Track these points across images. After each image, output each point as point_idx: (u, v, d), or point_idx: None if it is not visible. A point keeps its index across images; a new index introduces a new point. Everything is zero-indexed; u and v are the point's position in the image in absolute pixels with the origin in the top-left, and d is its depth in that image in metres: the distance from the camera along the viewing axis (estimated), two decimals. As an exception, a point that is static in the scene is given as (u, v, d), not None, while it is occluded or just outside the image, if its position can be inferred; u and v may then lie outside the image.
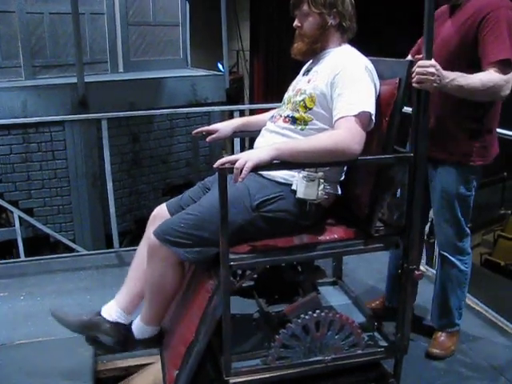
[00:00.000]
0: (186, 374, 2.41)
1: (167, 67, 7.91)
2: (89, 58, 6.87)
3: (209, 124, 6.84)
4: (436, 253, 3.84)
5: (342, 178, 2.55)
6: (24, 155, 6.09)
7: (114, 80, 6.97)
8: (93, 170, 5.97)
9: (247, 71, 10.41)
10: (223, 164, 2.06)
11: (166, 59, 8.03)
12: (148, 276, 2.50)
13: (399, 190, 2.69)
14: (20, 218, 5.66)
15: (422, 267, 4.07)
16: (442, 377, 3.01)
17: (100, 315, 2.63)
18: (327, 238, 2.45)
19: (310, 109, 2.36)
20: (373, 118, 2.28)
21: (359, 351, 2.60)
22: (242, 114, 5.47)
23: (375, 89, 2.35)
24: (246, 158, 2.05)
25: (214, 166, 2.07)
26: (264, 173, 2.36)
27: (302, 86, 2.46)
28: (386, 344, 2.71)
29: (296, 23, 2.47)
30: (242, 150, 4.71)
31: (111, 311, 2.62)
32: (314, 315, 2.47)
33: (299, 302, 2.57)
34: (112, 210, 4.73)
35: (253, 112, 7.64)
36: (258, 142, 2.57)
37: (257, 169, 2.09)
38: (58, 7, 6.94)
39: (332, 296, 3.12)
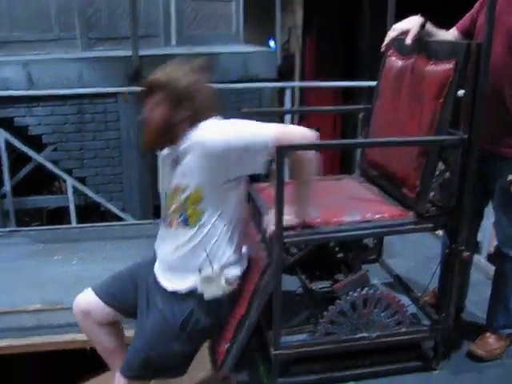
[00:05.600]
0: (237, 347, 2.49)
1: (219, 42, 7.93)
2: (143, 31, 6.92)
3: (260, 100, 6.88)
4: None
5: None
6: (78, 125, 6.25)
7: (167, 54, 7.04)
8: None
9: (299, 48, 10.36)
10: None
11: (219, 34, 8.05)
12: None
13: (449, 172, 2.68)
14: (73, 186, 5.84)
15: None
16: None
17: None
18: (377, 216, 2.49)
19: (199, 202, 2.20)
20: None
21: (403, 329, 2.65)
22: (292, 91, 5.48)
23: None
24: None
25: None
26: (169, 287, 2.35)
27: (179, 181, 2.24)
28: (429, 324, 2.75)
29: (145, 113, 2.23)
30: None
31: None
32: (363, 293, 2.52)
33: (348, 279, 2.62)
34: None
35: (304, 90, 7.66)
36: (159, 247, 2.49)
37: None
38: (114, -20, 7.03)
39: (377, 275, 3.17)
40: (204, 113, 2.20)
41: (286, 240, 2.30)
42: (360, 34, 8.94)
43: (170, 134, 2.19)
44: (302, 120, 7.35)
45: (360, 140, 2.93)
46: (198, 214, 2.21)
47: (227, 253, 2.31)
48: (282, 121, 5.37)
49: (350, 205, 2.63)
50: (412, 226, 2.53)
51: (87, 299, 2.54)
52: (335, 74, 8.98)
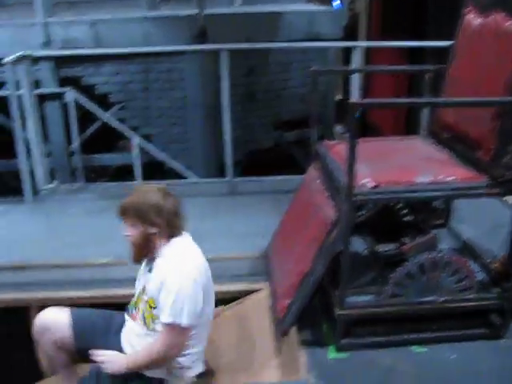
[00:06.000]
0: (299, 303, 2.50)
1: (284, 1, 7.80)
2: (208, -11, 6.87)
3: (325, 60, 6.79)
4: None
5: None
6: (144, 84, 6.30)
7: (233, 13, 6.98)
8: (209, 101, 6.08)
9: (364, 8, 10.09)
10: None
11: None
12: None
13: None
14: (138, 144, 5.94)
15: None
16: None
17: None
18: (450, 178, 2.42)
19: (154, 308, 2.46)
20: (187, 327, 2.38)
21: (471, 295, 2.59)
22: (359, 51, 5.32)
23: (201, 296, 2.43)
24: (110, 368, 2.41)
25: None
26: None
27: (147, 285, 2.55)
28: (497, 291, 2.68)
29: (124, 232, 2.53)
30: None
31: None
32: (432, 255, 2.47)
33: (417, 242, 2.58)
34: (228, 139, 4.83)
35: (369, 50, 7.50)
36: (124, 334, 2.66)
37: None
38: None
39: (445, 240, 3.09)
40: (173, 228, 2.50)
41: (355, 198, 2.26)
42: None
43: (148, 247, 2.52)
44: (367, 80, 7.19)
45: (438, 99, 2.83)
46: (153, 317, 2.48)
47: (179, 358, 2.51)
48: (347, 80, 5.29)
49: (421, 165, 2.56)
50: (485, 190, 2.46)
51: (58, 316, 2.72)
52: (402, 33, 8.73)
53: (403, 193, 2.38)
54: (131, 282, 3.42)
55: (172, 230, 2.49)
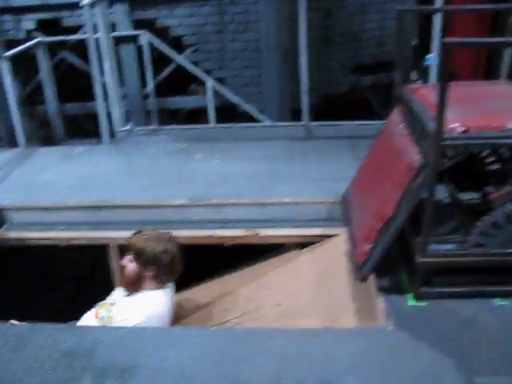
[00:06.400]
0: (382, 247, 2.44)
1: None
2: None
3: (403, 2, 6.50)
4: None
5: None
6: (218, 26, 6.23)
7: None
8: (284, 44, 5.96)
9: None
10: None
11: None
12: None
13: None
14: (212, 87, 5.92)
15: None
16: None
17: None
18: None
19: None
20: None
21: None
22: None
23: None
24: None
25: None
26: None
27: (117, 304, 2.92)
28: None
29: (122, 261, 2.98)
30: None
31: None
32: (519, 206, 2.36)
33: (506, 191, 2.46)
34: (304, 82, 4.73)
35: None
36: None
37: None
38: None
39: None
40: (164, 278, 2.93)
41: (445, 143, 2.15)
42: None
43: (137, 283, 2.92)
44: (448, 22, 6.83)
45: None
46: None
47: None
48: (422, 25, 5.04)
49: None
50: None
51: None
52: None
53: (494, 138, 2.25)
54: (208, 224, 3.50)
55: (162, 279, 2.92)
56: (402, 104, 2.74)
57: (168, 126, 5.44)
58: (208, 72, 6.26)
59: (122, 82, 5.81)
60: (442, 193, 2.92)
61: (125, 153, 4.79)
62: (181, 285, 3.17)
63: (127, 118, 5.45)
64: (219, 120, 5.55)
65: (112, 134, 5.00)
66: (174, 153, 4.55)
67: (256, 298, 3.11)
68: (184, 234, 3.42)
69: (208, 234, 3.47)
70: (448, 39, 1.93)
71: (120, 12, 6.12)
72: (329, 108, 6.13)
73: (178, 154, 4.52)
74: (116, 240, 3.49)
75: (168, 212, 3.63)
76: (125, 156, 4.72)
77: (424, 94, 2.57)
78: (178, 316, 3.14)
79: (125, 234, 3.20)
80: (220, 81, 6.35)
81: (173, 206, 3.62)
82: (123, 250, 3.14)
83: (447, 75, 2.00)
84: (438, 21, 4.49)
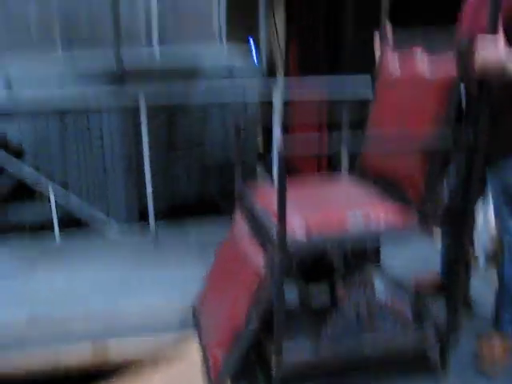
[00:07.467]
0: (235, 357, 2.37)
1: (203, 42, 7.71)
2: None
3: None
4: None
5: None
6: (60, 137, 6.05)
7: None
8: (129, 152, 5.92)
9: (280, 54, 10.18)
10: None
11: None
12: None
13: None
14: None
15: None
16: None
17: None
18: (380, 218, 2.37)
19: None
20: None
21: (407, 338, 2.55)
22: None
23: None
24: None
25: None
26: None
27: None
28: (433, 331, 2.64)
29: None
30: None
31: None
32: (366, 300, 2.42)
33: (350, 286, 2.52)
34: (149, 191, 4.84)
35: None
36: None
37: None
38: None
39: (378, 280, 3.04)
40: None
41: (289, 250, 2.15)
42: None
43: None
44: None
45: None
46: None
47: None
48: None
49: (351, 204, 2.51)
50: (414, 228, 2.41)
51: None
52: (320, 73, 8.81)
53: (338, 239, 2.30)
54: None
55: None
56: (245, 207, 2.76)
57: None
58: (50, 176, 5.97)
59: None
60: (291, 291, 2.92)
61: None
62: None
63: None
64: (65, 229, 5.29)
65: None
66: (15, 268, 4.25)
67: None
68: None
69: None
70: (283, 150, 1.97)
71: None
72: (177, 214, 6.09)
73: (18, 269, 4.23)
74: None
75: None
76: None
77: (266, 197, 2.60)
78: None
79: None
80: (64, 185, 6.08)
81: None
82: None
83: (284, 187, 2.02)
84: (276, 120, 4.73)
